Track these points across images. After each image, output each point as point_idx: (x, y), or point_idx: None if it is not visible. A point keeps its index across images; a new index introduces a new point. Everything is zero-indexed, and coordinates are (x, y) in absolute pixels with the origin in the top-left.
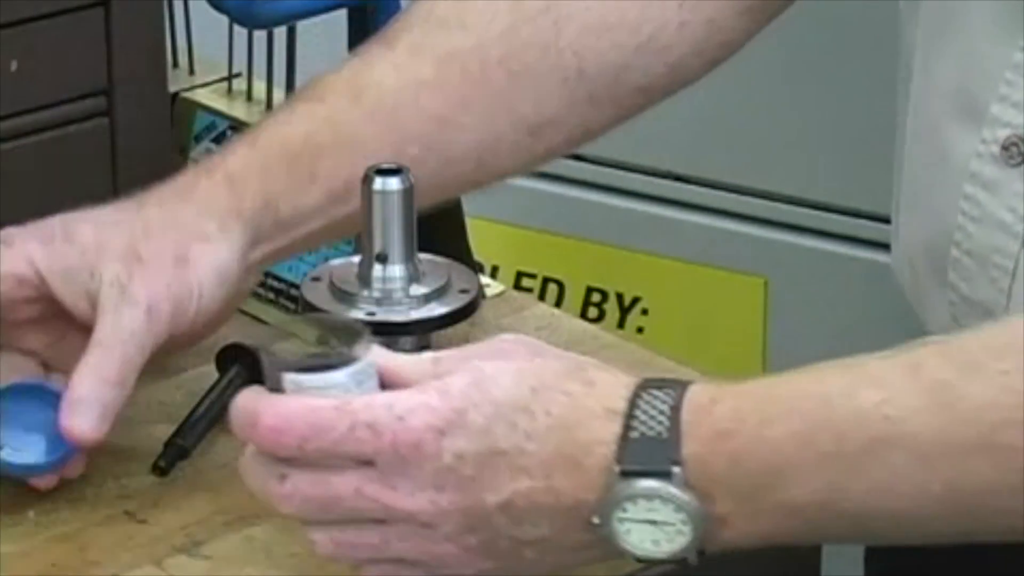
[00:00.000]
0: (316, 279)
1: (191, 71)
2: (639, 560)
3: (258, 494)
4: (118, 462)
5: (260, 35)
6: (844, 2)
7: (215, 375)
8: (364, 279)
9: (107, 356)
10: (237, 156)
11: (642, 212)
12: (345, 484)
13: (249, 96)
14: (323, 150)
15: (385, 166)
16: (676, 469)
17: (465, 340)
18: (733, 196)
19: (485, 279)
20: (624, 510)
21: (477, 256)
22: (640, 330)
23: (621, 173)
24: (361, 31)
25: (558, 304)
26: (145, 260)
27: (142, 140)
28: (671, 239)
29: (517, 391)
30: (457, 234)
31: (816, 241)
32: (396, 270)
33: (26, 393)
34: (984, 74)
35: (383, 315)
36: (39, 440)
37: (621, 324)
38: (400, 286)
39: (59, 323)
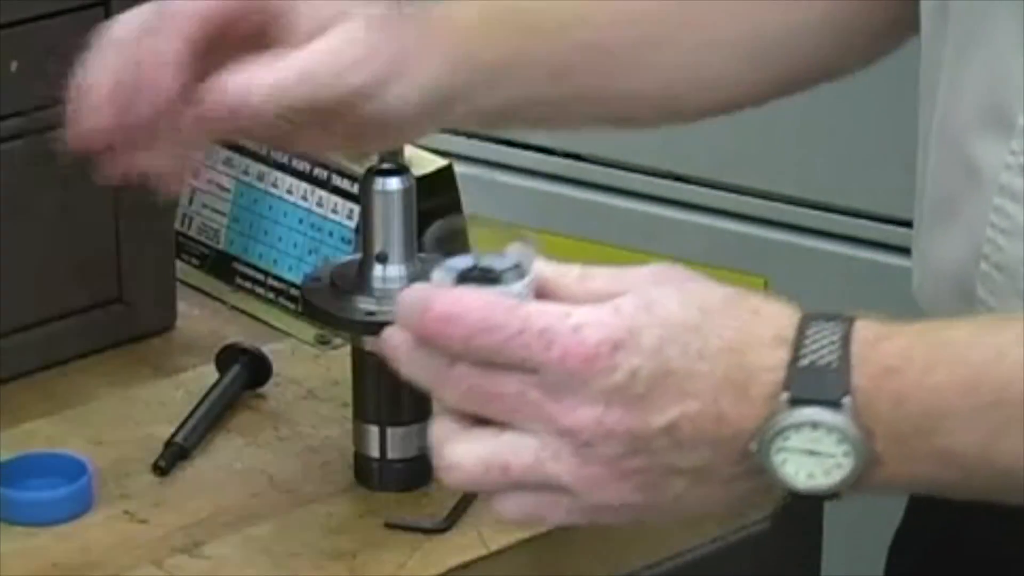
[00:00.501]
0: (316, 279)
1: None
2: (790, 493)
3: (421, 382)
4: (118, 462)
5: None
6: None
7: (215, 375)
8: (364, 279)
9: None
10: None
11: (642, 212)
12: (511, 383)
13: None
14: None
15: (385, 166)
16: (846, 399)
17: None
18: (733, 196)
19: None
20: (785, 438)
21: None
22: None
23: (621, 173)
24: None
25: None
26: (386, 28)
27: None
28: (671, 239)
29: (688, 313)
30: (457, 234)
31: (816, 241)
32: (396, 270)
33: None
34: (1013, 86)
35: (383, 315)
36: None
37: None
38: (400, 286)
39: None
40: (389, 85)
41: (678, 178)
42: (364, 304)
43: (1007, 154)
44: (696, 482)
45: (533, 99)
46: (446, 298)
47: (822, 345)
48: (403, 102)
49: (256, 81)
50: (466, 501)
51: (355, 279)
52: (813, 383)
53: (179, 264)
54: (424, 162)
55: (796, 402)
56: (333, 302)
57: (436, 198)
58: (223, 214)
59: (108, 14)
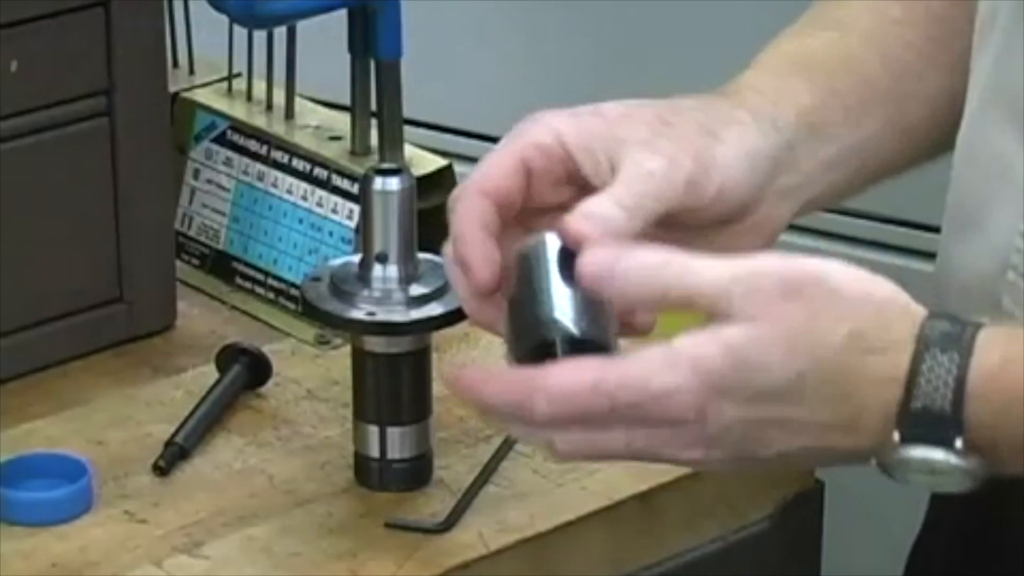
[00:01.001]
0: (316, 279)
1: (191, 71)
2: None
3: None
4: (118, 462)
5: (260, 35)
6: None
7: (215, 375)
8: (364, 279)
9: (624, 187)
10: (752, 74)
11: None
12: (615, 440)
13: (249, 96)
14: (834, 68)
15: (385, 166)
16: (959, 441)
17: (464, 340)
18: None
19: None
20: (902, 470)
21: None
22: None
23: None
24: (361, 31)
25: None
26: (672, 125)
27: (142, 140)
28: None
29: (782, 377)
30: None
31: (816, 241)
32: (396, 270)
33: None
34: None
35: (383, 315)
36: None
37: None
38: (399, 286)
39: (577, 189)
40: (709, 172)
41: None
42: (364, 304)
43: None
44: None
45: (845, 145)
46: (540, 394)
47: (936, 387)
48: (733, 178)
49: (600, 212)
50: (466, 501)
51: (355, 279)
52: (924, 426)
53: (179, 264)
54: (424, 162)
55: (907, 441)
56: (333, 302)
57: (436, 198)
58: (223, 214)
59: (108, 14)
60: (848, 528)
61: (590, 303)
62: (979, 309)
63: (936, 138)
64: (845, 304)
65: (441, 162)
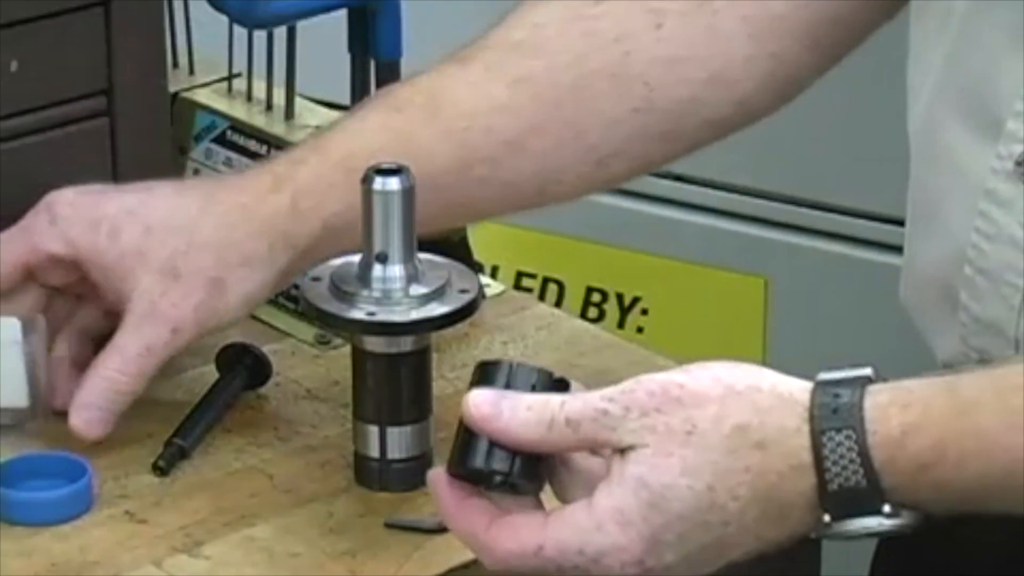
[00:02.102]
0: (316, 279)
1: (191, 71)
2: None
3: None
4: (118, 462)
5: (260, 35)
6: None
7: (215, 375)
8: (364, 279)
9: (123, 366)
10: (308, 169)
11: (642, 212)
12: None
13: (249, 96)
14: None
15: (385, 166)
16: (886, 507)
17: (465, 340)
18: (733, 196)
19: (485, 279)
20: (844, 536)
21: (477, 256)
22: (640, 330)
23: None
24: (361, 31)
25: (558, 304)
26: (182, 278)
27: (142, 140)
28: (671, 239)
29: (695, 497)
30: (457, 234)
31: (816, 241)
32: (396, 270)
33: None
34: (1001, 90)
35: (383, 315)
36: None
37: (621, 324)
38: (400, 286)
39: (85, 287)
40: (211, 322)
41: (678, 178)
42: (364, 304)
43: (993, 158)
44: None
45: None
46: (479, 546)
47: (843, 466)
48: (232, 319)
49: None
50: None
51: (355, 279)
52: (848, 503)
53: None
54: None
55: (838, 519)
56: (333, 302)
57: None
58: None
59: (108, 14)
60: None
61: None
62: (938, 303)
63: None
64: (716, 405)
65: None
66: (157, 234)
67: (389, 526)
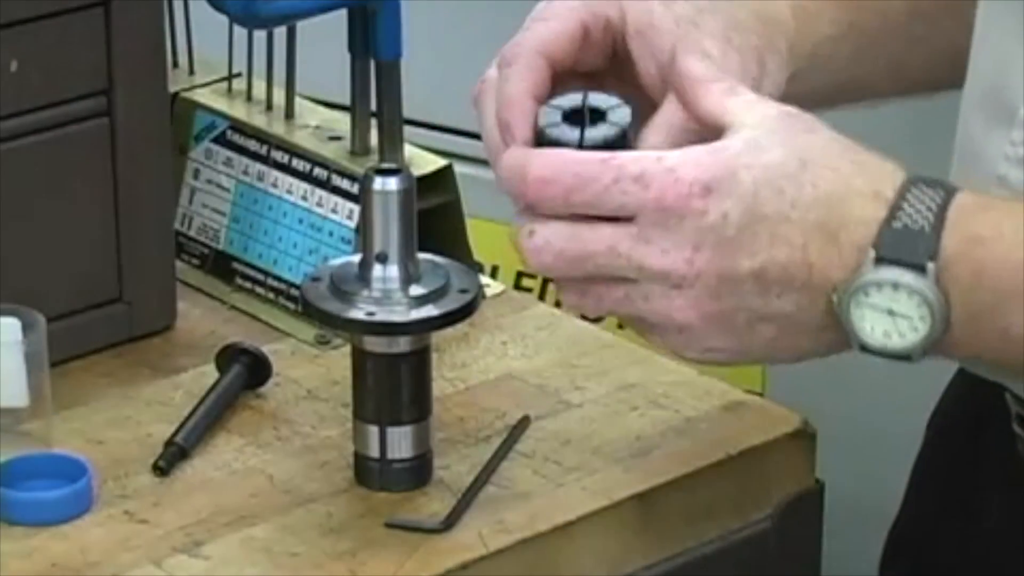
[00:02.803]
0: (316, 279)
1: (191, 71)
2: (864, 350)
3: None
4: (118, 462)
5: (260, 35)
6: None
7: (215, 375)
8: (364, 279)
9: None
10: None
11: None
12: (598, 241)
13: (249, 96)
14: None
15: (385, 166)
16: (931, 265)
17: (464, 340)
18: None
19: (485, 279)
20: (867, 294)
21: (477, 256)
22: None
23: None
24: (361, 31)
25: (558, 304)
26: (736, 48)
27: (142, 140)
28: None
29: (788, 160)
30: (457, 234)
31: None
32: (395, 270)
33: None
34: (1015, 76)
35: (382, 315)
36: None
37: (621, 324)
38: (399, 286)
39: (615, 62)
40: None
41: None
42: (364, 304)
43: (1007, 144)
44: (785, 330)
45: (842, 80)
46: (541, 160)
47: (918, 209)
48: (774, 88)
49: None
50: (466, 501)
51: (355, 279)
52: (902, 244)
53: (179, 264)
54: (424, 162)
55: (882, 260)
56: (333, 302)
57: (436, 198)
58: (223, 214)
59: (108, 14)
60: (848, 528)
61: None
62: None
63: (931, 85)
64: (834, 135)
65: (441, 162)
66: (707, 8)
67: (389, 526)
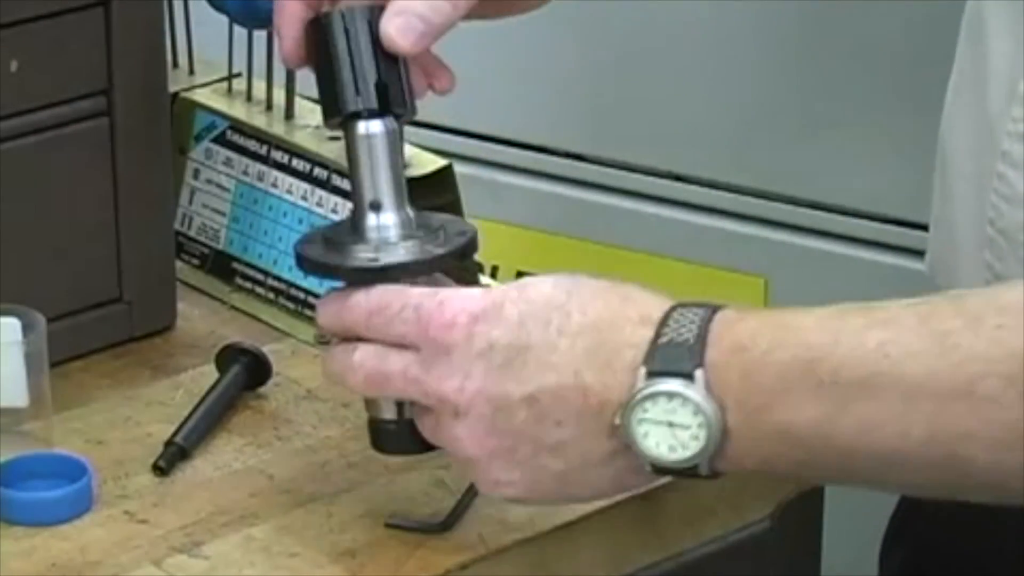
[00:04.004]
0: (309, 241)
1: (191, 71)
2: (655, 470)
3: (334, 376)
4: (118, 462)
5: (260, 35)
6: (845, 2)
7: (215, 375)
8: (359, 230)
9: None
10: None
11: (642, 212)
12: (397, 363)
13: (249, 96)
14: None
15: (364, 108)
16: (699, 372)
17: None
18: (733, 196)
19: (485, 279)
20: (644, 409)
21: (477, 256)
22: None
23: (621, 173)
24: None
25: None
26: None
27: (142, 140)
28: (671, 239)
29: (554, 293)
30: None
31: (816, 241)
32: (390, 216)
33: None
34: (1018, 52)
35: (385, 259)
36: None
37: None
38: (396, 232)
39: None
40: None
41: (678, 178)
42: (364, 253)
43: (1009, 121)
44: (571, 462)
45: None
46: (356, 291)
47: (683, 325)
48: None
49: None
50: (466, 501)
51: (350, 232)
52: (669, 357)
53: (179, 264)
54: (424, 162)
55: (653, 374)
56: (331, 255)
57: (436, 198)
58: (223, 214)
59: (108, 14)
60: (848, 528)
61: (389, 68)
62: (966, 262)
63: None
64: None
65: (441, 162)
66: None
67: (389, 526)
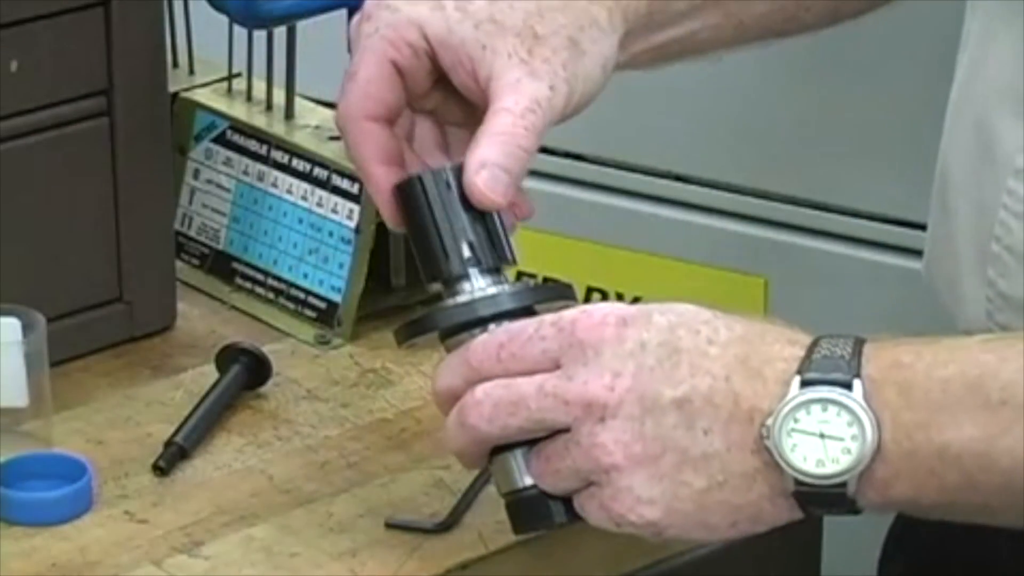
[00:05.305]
0: (415, 322)
1: (191, 71)
2: (799, 489)
3: (451, 442)
4: (118, 462)
5: (260, 35)
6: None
7: (215, 375)
8: (454, 290)
9: (517, 120)
10: None
11: (642, 212)
12: (529, 384)
13: (249, 96)
14: None
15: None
16: (857, 381)
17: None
18: (733, 196)
19: None
20: (796, 420)
21: None
22: None
23: (621, 173)
24: None
25: None
26: (541, 38)
27: (142, 140)
28: (671, 239)
29: (699, 309)
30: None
31: (816, 241)
32: (481, 279)
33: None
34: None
35: (494, 289)
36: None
37: None
38: (490, 281)
39: (441, 89)
40: (574, 89)
41: (678, 178)
42: (464, 296)
43: (1022, 136)
44: (713, 479)
45: (680, 34)
46: (481, 336)
47: (835, 344)
48: (591, 91)
49: (490, 169)
50: (466, 501)
51: (445, 295)
52: (826, 366)
53: (179, 264)
54: None
55: (808, 383)
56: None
57: None
58: (223, 214)
59: (108, 14)
60: (848, 528)
61: (482, 224)
62: (965, 279)
63: (766, 37)
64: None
65: None
66: (506, 8)
67: (389, 526)
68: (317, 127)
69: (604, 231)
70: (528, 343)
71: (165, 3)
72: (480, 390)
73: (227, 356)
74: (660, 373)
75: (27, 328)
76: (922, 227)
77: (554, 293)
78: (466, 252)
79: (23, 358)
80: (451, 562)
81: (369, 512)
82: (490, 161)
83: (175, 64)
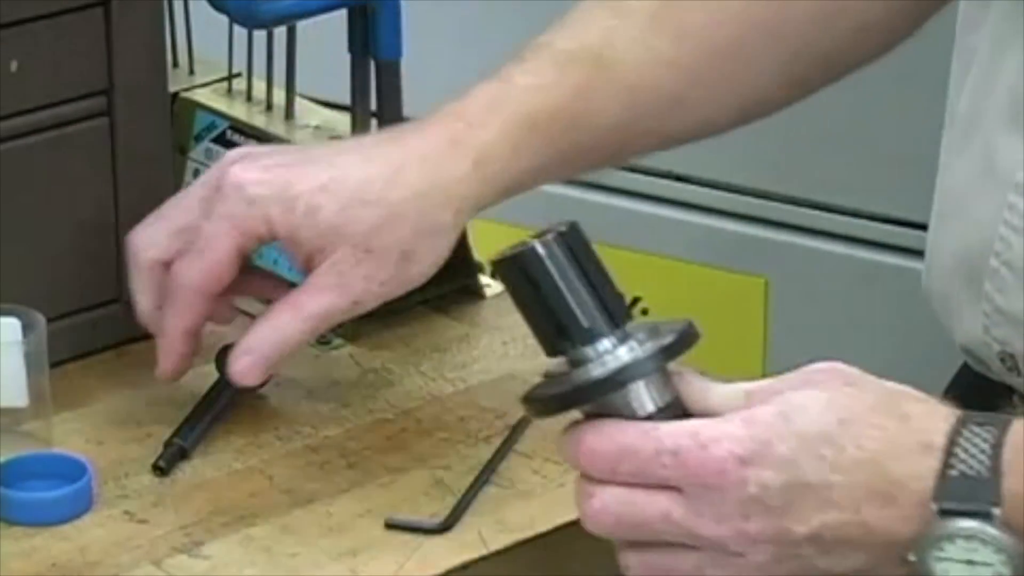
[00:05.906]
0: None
1: (191, 71)
2: None
3: (593, 520)
4: (118, 462)
5: (260, 35)
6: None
7: (215, 375)
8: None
9: (296, 322)
10: (489, 131)
11: (642, 212)
12: (653, 507)
13: (249, 96)
14: (569, 126)
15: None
16: (996, 511)
17: (465, 341)
18: (733, 196)
19: (485, 279)
20: (942, 549)
21: (477, 256)
22: None
23: (621, 173)
24: (361, 31)
25: None
26: (374, 253)
27: (142, 140)
28: (671, 239)
29: (824, 422)
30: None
31: (816, 241)
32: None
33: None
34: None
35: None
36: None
37: None
38: (612, 343)
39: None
40: (404, 286)
41: (678, 178)
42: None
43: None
44: None
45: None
46: (592, 430)
47: (971, 454)
48: (423, 279)
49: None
50: (466, 501)
51: (568, 367)
52: (962, 493)
53: None
54: None
55: (947, 513)
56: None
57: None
58: None
59: (108, 14)
60: None
61: (596, 291)
62: (962, 293)
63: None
64: (875, 382)
65: None
66: (352, 210)
67: (389, 526)
68: (317, 127)
69: (604, 231)
70: (647, 466)
71: (165, 3)
72: (598, 501)
73: (227, 356)
74: (787, 511)
75: (27, 328)
76: (922, 227)
77: (683, 344)
78: (596, 315)
79: (23, 358)
80: (451, 562)
81: (369, 512)
82: (255, 350)
83: (175, 64)
